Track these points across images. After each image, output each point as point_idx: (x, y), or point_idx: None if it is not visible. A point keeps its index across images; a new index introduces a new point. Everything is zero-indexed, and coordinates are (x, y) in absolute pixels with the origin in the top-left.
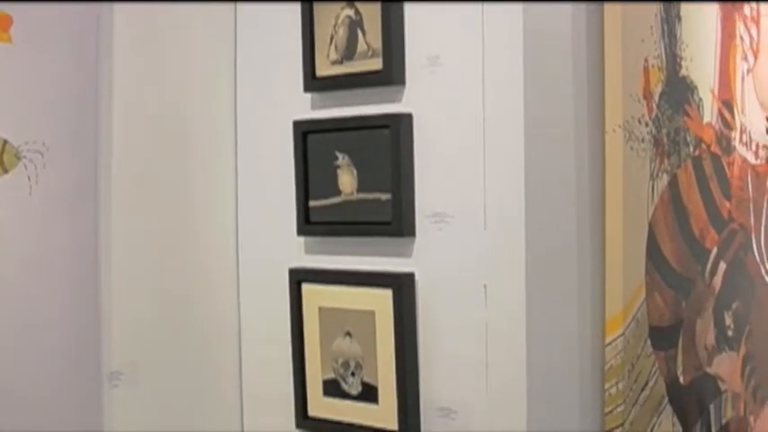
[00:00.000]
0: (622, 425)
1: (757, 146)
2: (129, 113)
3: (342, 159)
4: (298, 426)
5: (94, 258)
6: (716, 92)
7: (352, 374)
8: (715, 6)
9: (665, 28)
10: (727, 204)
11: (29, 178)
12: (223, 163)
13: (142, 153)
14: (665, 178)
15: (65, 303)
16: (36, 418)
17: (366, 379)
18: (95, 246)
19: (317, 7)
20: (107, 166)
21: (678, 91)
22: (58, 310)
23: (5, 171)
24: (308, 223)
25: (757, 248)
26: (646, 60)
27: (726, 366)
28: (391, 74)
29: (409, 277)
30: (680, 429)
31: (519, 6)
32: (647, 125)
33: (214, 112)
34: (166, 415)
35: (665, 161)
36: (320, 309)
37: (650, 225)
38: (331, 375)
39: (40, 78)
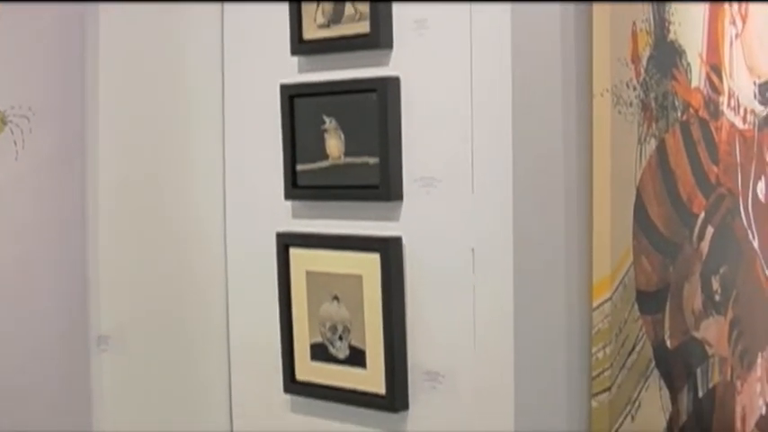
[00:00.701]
0: (609, 388)
1: (745, 111)
2: (115, 77)
3: (329, 123)
4: (285, 390)
5: (82, 222)
6: (704, 56)
7: (340, 338)
8: None
9: None
10: (715, 169)
11: (15, 143)
12: (210, 127)
13: (128, 117)
14: (652, 143)
15: (52, 267)
16: (24, 381)
17: (354, 343)
18: (82, 210)
19: None
20: (94, 131)
21: (666, 55)
22: (46, 275)
23: None
24: (296, 187)
25: (744, 213)
26: (634, 24)
27: (713, 331)
28: (378, 37)
29: (397, 241)
30: (667, 393)
31: None
32: (635, 89)
33: (201, 75)
34: (154, 379)
35: (653, 125)
36: (308, 273)
37: (638, 189)
38: (318, 339)
39: (27, 43)
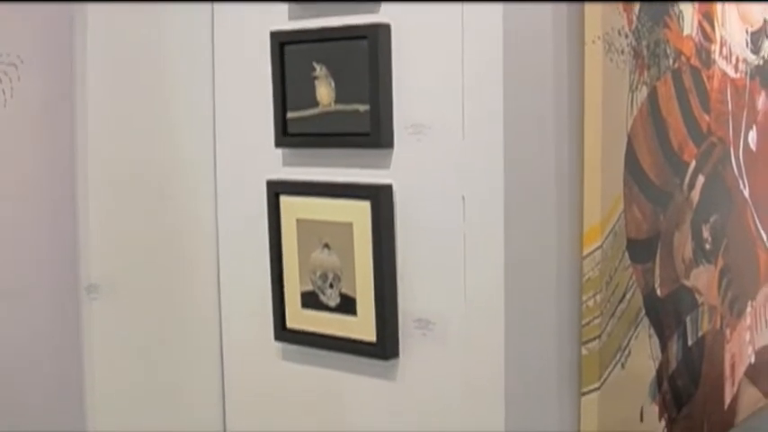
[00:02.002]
0: (599, 336)
1: (737, 59)
2: (103, 24)
3: (319, 70)
4: (276, 337)
5: (71, 170)
6: (696, 4)
7: (331, 286)
8: None
9: None
10: (707, 118)
11: (3, 91)
12: (200, 74)
13: (117, 65)
14: (644, 91)
15: (42, 216)
16: (13, 329)
17: (344, 291)
18: (72, 158)
19: None
20: (82, 79)
21: (658, 3)
22: (36, 223)
23: None
24: (286, 135)
25: (735, 162)
26: None
27: (703, 279)
28: None
29: (387, 189)
30: (657, 341)
31: None
32: (626, 37)
33: (190, 23)
34: (145, 327)
35: (645, 73)
36: (298, 221)
37: (629, 137)
38: (309, 287)
39: None
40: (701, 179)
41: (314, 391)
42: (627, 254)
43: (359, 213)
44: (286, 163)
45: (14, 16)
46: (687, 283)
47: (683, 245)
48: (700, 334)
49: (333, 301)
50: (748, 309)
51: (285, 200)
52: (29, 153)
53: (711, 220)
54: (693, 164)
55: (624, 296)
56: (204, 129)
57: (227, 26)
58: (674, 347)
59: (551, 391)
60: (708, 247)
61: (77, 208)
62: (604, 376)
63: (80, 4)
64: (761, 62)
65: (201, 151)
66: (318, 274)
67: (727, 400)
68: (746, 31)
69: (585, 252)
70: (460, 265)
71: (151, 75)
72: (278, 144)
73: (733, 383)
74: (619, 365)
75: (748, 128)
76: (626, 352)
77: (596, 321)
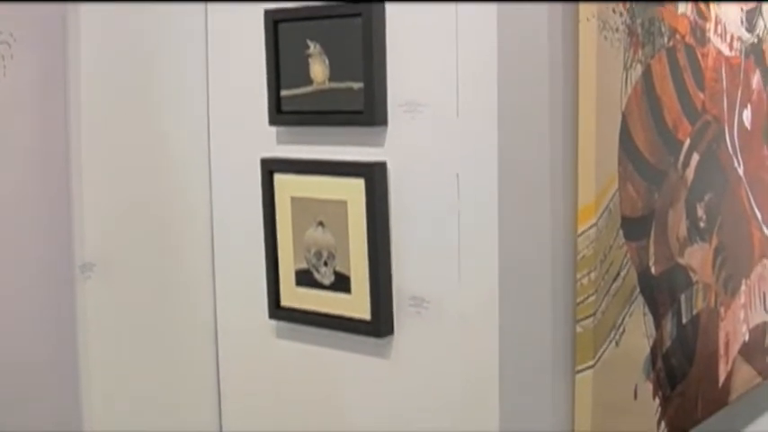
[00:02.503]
0: (594, 314)
1: (732, 37)
2: (95, 5)
3: (313, 48)
4: (270, 316)
5: (65, 149)
6: None
7: (325, 264)
8: None
9: None
10: (701, 96)
11: None
12: (194, 51)
13: (111, 44)
14: (638, 69)
15: (36, 194)
16: (7, 308)
17: (338, 269)
18: (66, 136)
19: None
20: (76, 59)
21: None
22: (29, 201)
23: None
24: (280, 113)
25: (730, 140)
26: None
27: (697, 257)
28: None
29: (381, 166)
30: (651, 319)
31: None
32: (621, 15)
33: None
34: (139, 306)
35: (640, 51)
36: (292, 199)
37: (624, 116)
38: (303, 265)
39: None
40: (695, 157)
41: (308, 368)
42: (621, 232)
43: (353, 191)
44: (280, 141)
45: None
46: (681, 261)
47: (678, 223)
48: (694, 312)
49: (327, 279)
50: (742, 287)
51: (279, 178)
52: (22, 131)
53: (706, 198)
54: (688, 142)
55: (618, 274)
56: (198, 107)
57: (220, 4)
58: (669, 325)
59: (546, 369)
60: (702, 225)
61: (71, 187)
62: (599, 354)
63: None
64: (755, 40)
65: (195, 130)
66: (313, 252)
67: (721, 378)
68: (742, 10)
69: (580, 230)
70: (455, 243)
71: (144, 54)
72: (272, 122)
73: (727, 362)
74: (613, 343)
75: (743, 106)
76: (620, 330)
77: (591, 299)
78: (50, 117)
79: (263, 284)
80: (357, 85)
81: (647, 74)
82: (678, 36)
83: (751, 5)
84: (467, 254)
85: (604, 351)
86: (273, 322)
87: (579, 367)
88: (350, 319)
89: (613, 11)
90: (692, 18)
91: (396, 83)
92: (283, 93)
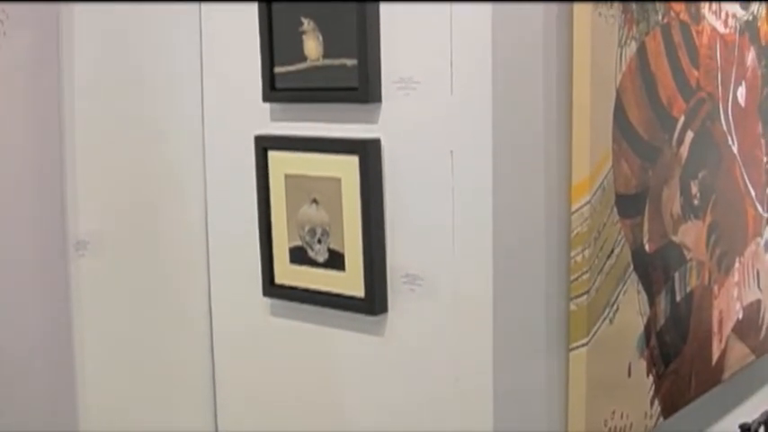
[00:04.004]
0: (587, 292)
1: (726, 15)
2: None
3: (307, 25)
4: (265, 293)
5: (58, 126)
6: None
7: (319, 242)
8: None
9: None
10: (696, 73)
11: None
12: (187, 28)
13: (104, 21)
14: (633, 46)
15: (28, 171)
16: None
17: (332, 246)
18: (59, 113)
19: None
20: (69, 36)
21: None
22: (22, 178)
23: None
24: (274, 90)
25: (724, 118)
26: None
27: (691, 235)
28: None
29: (375, 143)
30: (645, 297)
31: None
32: None
33: None
34: (133, 284)
35: (634, 28)
36: (286, 176)
37: (618, 93)
38: (297, 243)
39: None
40: (689, 134)
41: (302, 346)
42: (615, 209)
43: (347, 168)
44: (274, 118)
45: None
46: (675, 238)
47: (672, 200)
48: (688, 290)
49: (321, 256)
50: (736, 265)
51: (273, 155)
52: (15, 109)
53: (700, 175)
54: (682, 119)
55: (612, 251)
56: (192, 83)
57: None
58: (662, 303)
59: (539, 347)
60: (696, 202)
61: (65, 164)
62: (592, 332)
63: None
64: (750, 18)
65: (189, 106)
66: (307, 229)
67: (715, 355)
68: None
69: (574, 207)
70: (449, 221)
71: (137, 30)
72: (266, 99)
73: (721, 339)
74: (607, 321)
75: (737, 84)
76: (614, 307)
77: (585, 277)
78: (44, 95)
79: (257, 262)
80: (351, 62)
81: (642, 51)
82: (673, 13)
83: None
84: (461, 231)
85: (598, 329)
86: (267, 299)
87: (573, 345)
88: (344, 297)
89: None
90: None
91: (390, 60)
92: (277, 70)
